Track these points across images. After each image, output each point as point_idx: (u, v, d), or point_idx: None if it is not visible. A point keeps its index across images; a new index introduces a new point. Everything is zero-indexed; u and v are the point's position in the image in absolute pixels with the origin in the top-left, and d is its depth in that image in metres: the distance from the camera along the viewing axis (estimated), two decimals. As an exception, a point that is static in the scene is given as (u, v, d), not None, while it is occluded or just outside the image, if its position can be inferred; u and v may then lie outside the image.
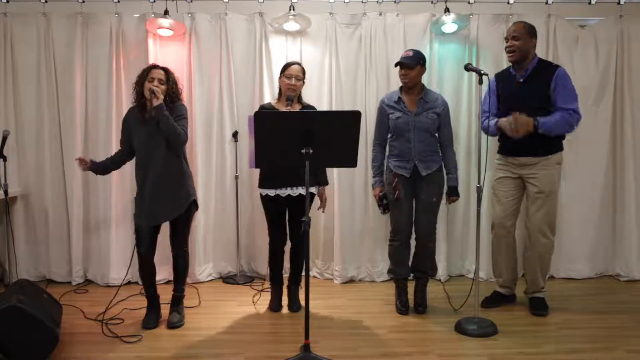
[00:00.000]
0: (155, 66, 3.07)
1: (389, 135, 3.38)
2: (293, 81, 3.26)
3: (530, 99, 3.18)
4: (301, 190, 3.26)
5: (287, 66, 3.32)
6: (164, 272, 3.79)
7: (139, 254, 3.08)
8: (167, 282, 3.85)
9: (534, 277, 3.35)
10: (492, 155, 3.45)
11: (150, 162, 2.99)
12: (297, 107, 3.33)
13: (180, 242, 3.14)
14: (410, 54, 3.26)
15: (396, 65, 3.29)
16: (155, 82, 2.96)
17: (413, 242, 3.41)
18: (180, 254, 3.15)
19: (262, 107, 3.40)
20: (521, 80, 3.25)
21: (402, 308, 3.35)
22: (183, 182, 3.09)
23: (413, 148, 3.24)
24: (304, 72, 3.35)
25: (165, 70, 3.06)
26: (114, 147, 3.90)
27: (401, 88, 3.36)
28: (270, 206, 3.35)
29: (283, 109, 3.25)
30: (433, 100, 3.32)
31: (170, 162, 3.03)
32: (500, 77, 3.39)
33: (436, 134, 3.31)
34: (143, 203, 3.01)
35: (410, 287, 3.47)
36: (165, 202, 3.01)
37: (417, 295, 3.41)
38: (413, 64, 3.23)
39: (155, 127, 2.98)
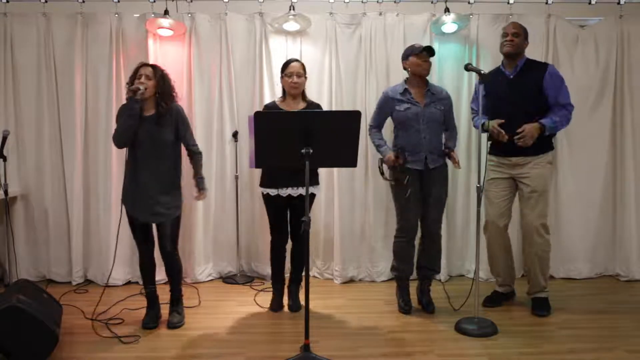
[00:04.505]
0: (143, 64, 3.08)
1: (394, 130, 3.37)
2: (295, 79, 3.26)
3: (521, 93, 3.23)
4: (302, 191, 3.26)
5: (286, 65, 3.32)
6: (164, 272, 3.78)
7: (138, 248, 3.11)
8: (167, 283, 3.84)
9: (535, 277, 3.35)
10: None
11: (150, 160, 2.99)
12: (301, 105, 3.32)
13: (172, 245, 3.13)
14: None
15: (421, 51, 3.24)
16: (143, 79, 2.96)
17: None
18: (172, 256, 3.15)
19: (267, 107, 3.41)
20: (512, 76, 3.31)
21: (406, 307, 3.34)
22: (178, 184, 3.14)
23: (424, 139, 3.23)
24: (304, 68, 3.34)
25: (153, 66, 3.05)
26: (114, 147, 3.89)
27: (405, 81, 3.35)
28: (272, 205, 3.35)
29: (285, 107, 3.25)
30: (439, 92, 3.34)
31: (171, 163, 3.06)
32: (489, 75, 3.38)
33: (443, 126, 3.33)
34: (139, 199, 3.00)
35: (412, 287, 3.46)
36: (164, 202, 3.02)
37: (424, 295, 3.41)
38: (434, 51, 3.29)
39: (154, 126, 2.98)
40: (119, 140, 2.99)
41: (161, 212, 3.02)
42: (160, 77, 3.02)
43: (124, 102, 3.83)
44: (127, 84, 3.04)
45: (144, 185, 2.98)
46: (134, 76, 3.01)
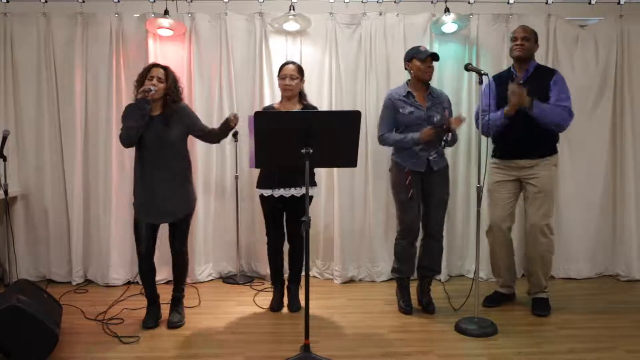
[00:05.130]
0: (155, 65, 3.09)
1: (397, 131, 3.36)
2: (287, 81, 3.26)
3: (531, 96, 3.19)
4: (294, 192, 3.26)
5: (281, 67, 3.34)
6: (164, 272, 3.79)
7: (139, 253, 3.09)
8: (167, 282, 3.85)
9: (537, 278, 3.35)
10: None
11: (160, 160, 2.99)
12: (297, 107, 3.33)
13: (182, 243, 3.14)
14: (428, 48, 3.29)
15: (426, 57, 3.21)
16: (154, 80, 2.97)
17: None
18: (181, 255, 3.16)
19: (264, 109, 3.43)
20: (521, 81, 3.29)
21: (407, 307, 3.34)
22: (190, 181, 3.15)
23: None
24: (300, 71, 3.34)
25: (165, 68, 3.06)
26: (114, 147, 3.90)
27: (406, 83, 3.35)
28: (267, 206, 3.36)
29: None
30: (439, 95, 3.33)
31: (180, 161, 3.08)
32: (500, 77, 3.40)
33: None
34: (151, 200, 3.00)
35: (412, 287, 3.46)
36: (178, 200, 3.04)
37: (424, 295, 3.41)
38: (438, 57, 3.29)
39: (162, 126, 2.99)
40: (127, 140, 2.98)
41: (173, 211, 3.04)
42: (172, 80, 3.04)
43: (124, 102, 3.89)
44: (136, 82, 3.04)
45: (154, 186, 2.98)
46: (144, 76, 3.01)
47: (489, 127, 3.25)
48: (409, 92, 3.29)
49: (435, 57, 3.26)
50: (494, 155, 3.43)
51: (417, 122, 3.23)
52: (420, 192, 3.30)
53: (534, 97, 3.15)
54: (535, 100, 3.14)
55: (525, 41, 3.27)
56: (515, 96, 3.12)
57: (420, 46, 3.32)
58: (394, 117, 3.30)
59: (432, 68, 3.27)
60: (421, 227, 3.38)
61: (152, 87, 2.91)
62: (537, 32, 3.39)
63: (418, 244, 3.42)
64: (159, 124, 3.00)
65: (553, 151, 3.35)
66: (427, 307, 3.35)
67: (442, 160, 3.33)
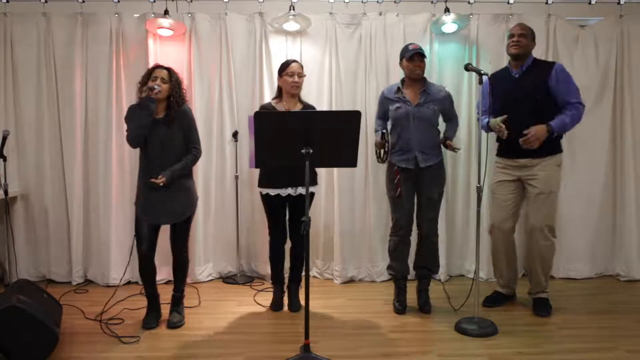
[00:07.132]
0: (159, 66, 3.10)
1: (390, 129, 3.38)
2: (296, 78, 3.27)
3: (527, 91, 3.21)
4: (300, 190, 3.27)
5: (286, 65, 3.32)
6: (164, 272, 3.79)
7: (140, 253, 3.09)
8: (167, 282, 3.86)
9: (537, 278, 3.35)
10: (492, 154, 3.45)
11: (163, 162, 3.00)
12: (298, 106, 3.34)
13: (183, 243, 3.15)
14: (418, 46, 3.29)
15: (411, 57, 3.24)
16: (158, 81, 2.98)
17: (413, 240, 3.42)
18: (182, 255, 3.17)
19: (263, 107, 3.40)
20: (517, 76, 3.29)
21: (400, 308, 3.35)
22: (192, 182, 3.17)
23: (413, 138, 3.23)
24: (302, 68, 3.36)
25: (169, 70, 3.08)
26: (114, 147, 3.91)
27: (402, 81, 3.36)
28: (270, 205, 3.35)
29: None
30: (436, 92, 3.32)
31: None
32: (496, 75, 3.38)
33: (437, 126, 3.32)
34: (153, 201, 3.01)
35: (411, 287, 3.46)
36: (180, 201, 3.05)
37: (421, 295, 3.41)
38: (425, 55, 3.29)
39: (165, 128, 3.01)
40: (134, 140, 2.99)
41: (175, 212, 3.05)
42: (175, 82, 3.05)
43: (124, 102, 3.89)
44: (139, 83, 3.04)
45: (157, 187, 2.98)
46: (148, 77, 3.02)
47: (487, 127, 3.31)
48: (398, 88, 3.33)
49: (419, 54, 3.25)
50: (497, 154, 3.42)
51: (405, 117, 3.25)
52: (413, 190, 3.31)
53: (531, 95, 3.16)
54: (551, 125, 3.13)
55: (523, 38, 3.25)
56: (530, 143, 3.11)
57: (410, 44, 3.33)
58: (383, 112, 3.41)
59: (420, 66, 3.26)
60: (416, 226, 3.40)
61: (156, 86, 2.93)
62: (537, 32, 3.39)
63: (414, 242, 3.42)
64: (162, 127, 3.01)
65: (556, 150, 3.29)
66: (423, 307, 3.35)
67: (433, 158, 3.29)
